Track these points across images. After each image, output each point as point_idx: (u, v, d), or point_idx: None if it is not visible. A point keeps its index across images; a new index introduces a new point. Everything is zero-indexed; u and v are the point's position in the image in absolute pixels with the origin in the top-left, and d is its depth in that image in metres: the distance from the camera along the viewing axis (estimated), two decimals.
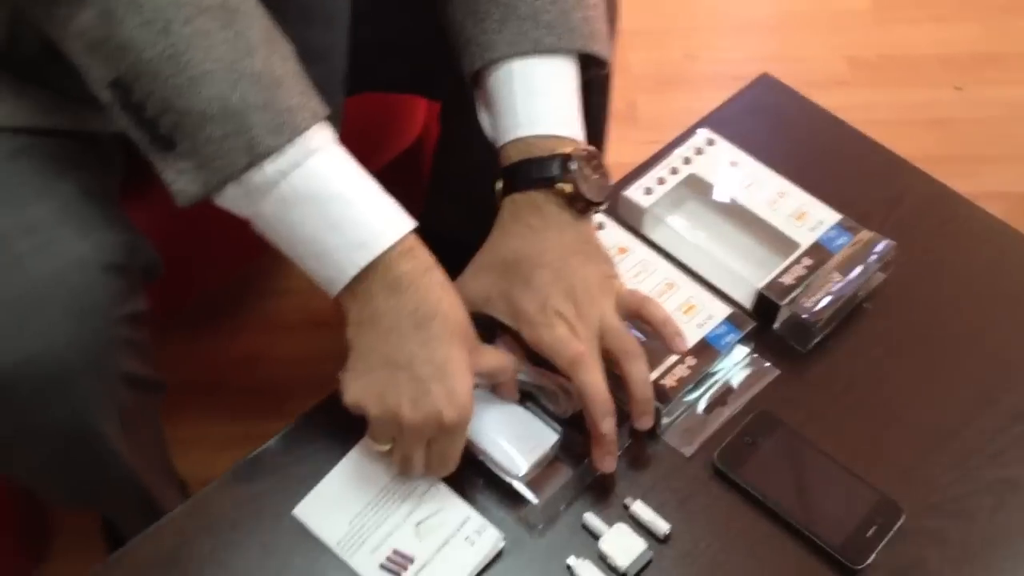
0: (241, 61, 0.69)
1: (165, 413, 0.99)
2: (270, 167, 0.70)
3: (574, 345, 0.79)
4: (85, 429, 0.80)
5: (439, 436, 0.75)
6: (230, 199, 0.72)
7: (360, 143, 1.12)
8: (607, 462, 0.80)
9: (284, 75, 0.72)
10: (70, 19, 0.68)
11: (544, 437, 0.82)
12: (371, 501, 0.80)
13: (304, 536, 0.79)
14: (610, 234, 0.92)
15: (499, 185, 0.85)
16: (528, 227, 0.82)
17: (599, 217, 0.93)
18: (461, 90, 0.91)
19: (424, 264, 0.75)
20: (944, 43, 1.87)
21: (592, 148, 0.83)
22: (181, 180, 0.71)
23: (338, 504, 0.80)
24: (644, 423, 0.81)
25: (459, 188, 1.12)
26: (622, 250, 0.91)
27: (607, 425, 0.79)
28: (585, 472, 0.82)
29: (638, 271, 0.90)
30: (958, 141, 1.71)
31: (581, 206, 0.82)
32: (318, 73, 0.92)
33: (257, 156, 0.69)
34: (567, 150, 0.81)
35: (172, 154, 0.70)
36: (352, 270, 0.73)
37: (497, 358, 0.80)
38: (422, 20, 0.93)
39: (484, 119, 0.87)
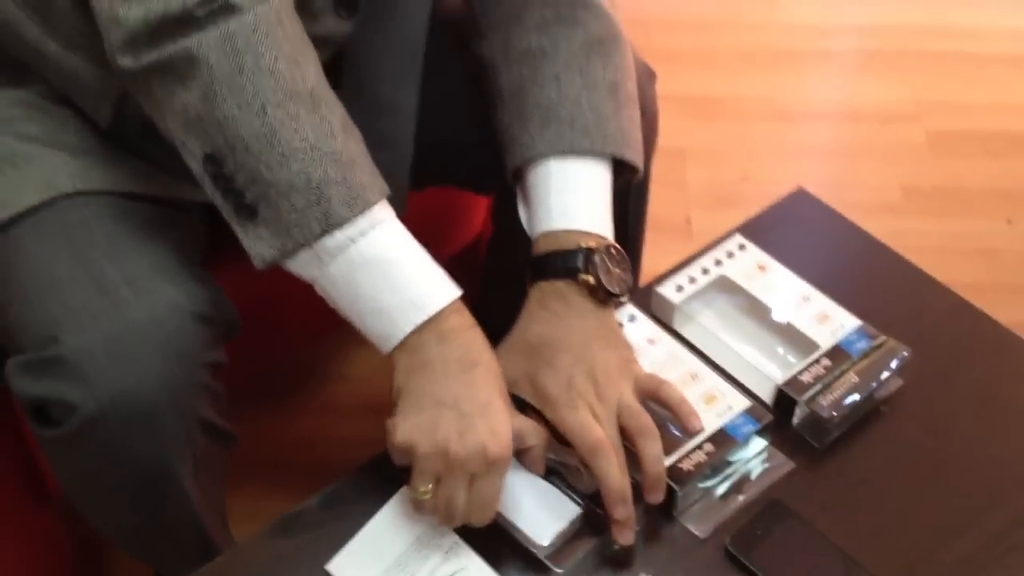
0: (324, 141, 0.78)
1: (225, 484, 1.05)
2: (340, 235, 0.79)
3: (595, 431, 0.85)
4: (163, 467, 0.87)
5: (482, 473, 0.81)
6: (301, 263, 0.81)
7: (423, 237, 1.22)
8: (625, 535, 0.85)
9: (357, 156, 0.81)
10: (172, 98, 0.78)
11: (567, 510, 0.87)
12: (399, 558, 0.85)
13: None
14: (640, 326, 0.99)
15: (529, 275, 0.92)
16: (553, 313, 0.89)
17: (631, 309, 0.99)
18: (510, 188, 1.00)
19: (469, 321, 0.84)
20: (997, 177, 1.93)
21: (615, 245, 0.91)
22: (259, 245, 0.80)
23: (368, 560, 0.86)
24: (654, 498, 0.86)
25: (506, 284, 1.21)
26: (651, 341, 0.97)
27: (620, 512, 0.84)
28: (605, 544, 0.86)
29: (664, 361, 0.96)
30: (1006, 271, 1.74)
31: (602, 296, 0.89)
32: (386, 159, 1.02)
33: (331, 225, 0.78)
34: (592, 244, 0.89)
35: (253, 222, 0.79)
36: (408, 327, 0.81)
37: (528, 422, 0.86)
38: (479, 121, 1.02)
39: (522, 212, 0.96)
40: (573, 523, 0.87)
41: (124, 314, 0.83)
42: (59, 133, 0.94)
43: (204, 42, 0.76)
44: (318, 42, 0.94)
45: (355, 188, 0.79)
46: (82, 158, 0.93)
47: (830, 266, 1.06)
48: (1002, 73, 2.15)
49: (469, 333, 0.83)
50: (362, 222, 0.80)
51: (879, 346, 0.97)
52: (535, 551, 0.86)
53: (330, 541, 0.87)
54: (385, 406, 1.67)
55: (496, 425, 0.81)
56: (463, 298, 0.84)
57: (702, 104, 2.06)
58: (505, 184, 1.07)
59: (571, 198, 0.92)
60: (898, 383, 0.97)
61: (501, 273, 1.28)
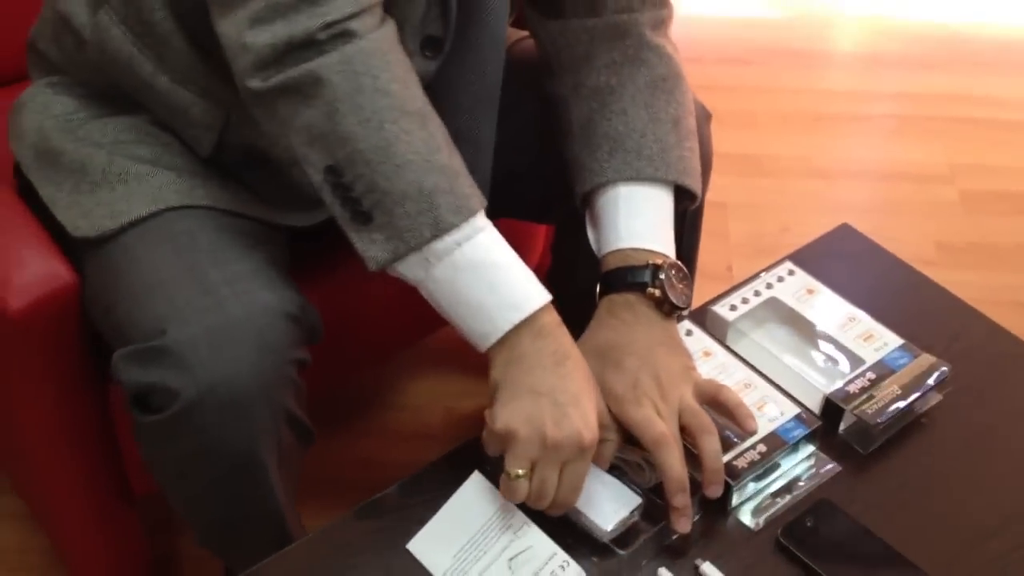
0: (433, 154, 0.87)
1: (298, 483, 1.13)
2: (448, 239, 0.87)
3: (658, 425, 0.92)
4: (252, 454, 0.95)
5: (574, 458, 0.88)
6: (409, 265, 0.88)
7: None
8: (682, 523, 0.92)
9: (460, 169, 0.90)
10: (296, 116, 0.87)
11: (629, 500, 0.94)
12: (473, 537, 0.92)
13: (417, 568, 0.91)
14: (697, 340, 1.06)
15: (599, 289, 1.00)
16: (621, 321, 0.98)
17: (688, 325, 1.07)
18: (572, 218, 1.09)
19: (558, 320, 0.91)
20: None
21: (679, 263, 0.99)
22: (373, 248, 0.88)
23: (446, 539, 0.93)
24: (713, 492, 0.93)
25: (564, 314, 1.29)
26: (706, 353, 1.05)
27: (679, 500, 0.91)
28: (664, 532, 0.93)
29: (719, 372, 1.03)
30: None
31: (667, 308, 0.97)
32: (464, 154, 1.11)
33: (440, 230, 0.87)
34: (658, 261, 0.98)
35: (368, 227, 0.87)
36: (507, 325, 0.88)
37: (607, 416, 0.93)
38: (543, 155, 1.11)
39: (591, 234, 1.04)
40: (634, 512, 0.94)
41: (224, 310, 0.92)
42: (166, 156, 1.04)
43: (326, 64, 0.85)
44: None
45: (461, 197, 0.88)
46: (187, 178, 1.03)
47: (873, 292, 1.13)
48: None
49: (560, 330, 0.91)
50: (467, 228, 0.88)
51: (920, 363, 1.04)
52: (598, 536, 0.93)
53: (410, 524, 0.94)
54: (438, 434, 1.75)
55: (588, 414, 0.88)
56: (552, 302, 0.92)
57: (743, 161, 2.15)
58: (565, 215, 1.16)
59: (638, 220, 1.01)
60: (937, 398, 1.04)
61: (559, 304, 1.36)
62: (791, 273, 1.13)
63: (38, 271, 1.02)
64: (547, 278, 1.39)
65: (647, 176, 1.01)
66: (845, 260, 1.19)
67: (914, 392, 1.02)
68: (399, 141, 0.86)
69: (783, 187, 2.11)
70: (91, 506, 1.23)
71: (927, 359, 1.04)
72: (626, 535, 0.93)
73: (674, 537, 0.93)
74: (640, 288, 0.98)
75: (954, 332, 1.11)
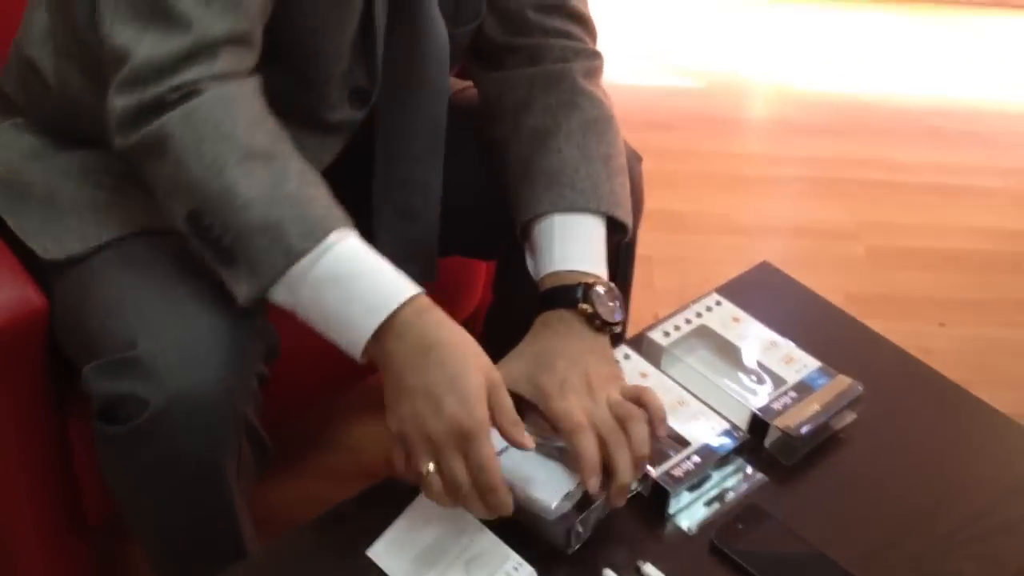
0: (278, 189, 0.92)
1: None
2: (305, 262, 0.90)
3: (576, 415, 0.97)
4: (215, 464, 0.99)
5: (466, 444, 0.89)
6: (278, 294, 0.93)
7: None
8: (617, 500, 0.97)
9: (314, 195, 0.93)
10: (154, 170, 0.93)
11: (571, 479, 0.98)
12: (430, 543, 0.98)
13: (378, 573, 0.96)
14: (634, 363, 1.15)
15: (535, 309, 1.07)
16: (554, 332, 1.05)
17: (625, 350, 1.16)
18: (513, 254, 1.17)
19: (421, 308, 0.92)
20: (930, 287, 2.14)
21: (611, 284, 1.07)
22: (238, 287, 0.93)
23: (404, 546, 0.98)
24: (636, 474, 0.97)
25: (504, 351, 1.36)
26: (643, 375, 1.13)
27: (594, 484, 0.95)
28: (606, 535, 1.00)
29: (654, 390, 1.11)
30: (941, 368, 1.93)
31: (599, 324, 1.04)
32: (416, 231, 1.20)
33: (293, 258, 0.90)
34: (590, 281, 1.05)
35: (232, 267, 0.92)
36: (367, 332, 0.90)
37: (511, 405, 0.93)
38: (487, 193, 1.19)
39: (529, 261, 1.12)
40: (577, 488, 0.97)
41: (192, 322, 0.96)
42: (132, 183, 1.09)
43: (172, 119, 0.91)
44: (336, 128, 1.13)
45: (311, 222, 0.91)
46: (152, 204, 1.08)
47: (793, 321, 1.23)
48: (930, 200, 2.40)
49: (423, 318, 0.91)
50: (320, 247, 0.91)
51: (837, 383, 1.14)
52: (544, 513, 0.96)
53: (368, 532, 0.99)
54: (379, 474, 1.79)
55: (465, 395, 0.89)
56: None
57: (667, 218, 2.26)
58: (506, 252, 1.25)
59: (572, 245, 1.09)
60: (852, 415, 1.14)
61: (499, 342, 1.43)
62: (718, 303, 1.22)
63: (9, 295, 1.06)
64: (489, 313, 1.47)
65: (580, 207, 1.09)
66: (766, 293, 1.29)
67: (832, 409, 1.11)
68: (240, 183, 0.90)
69: (704, 242, 2.23)
70: (45, 533, 1.26)
71: (843, 380, 1.14)
72: (569, 534, 0.99)
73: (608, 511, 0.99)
74: (572, 305, 1.05)
75: (866, 357, 1.21)
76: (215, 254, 0.93)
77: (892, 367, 1.22)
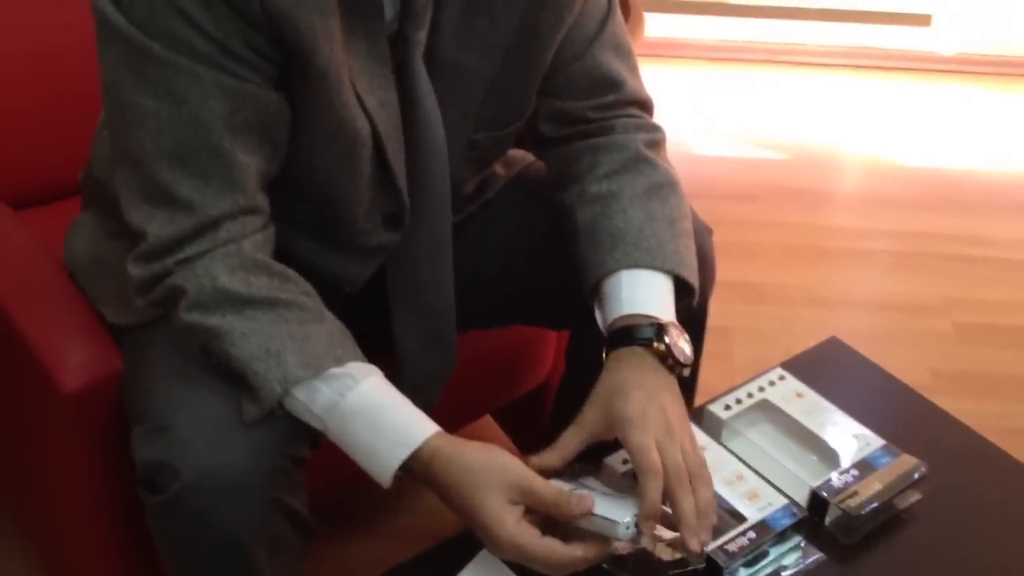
0: (278, 325, 0.99)
1: None
2: (327, 389, 0.97)
3: (653, 454, 0.98)
4: (243, 541, 1.01)
5: (514, 554, 0.96)
6: (293, 411, 0.99)
7: (500, 373, 1.43)
8: (692, 543, 0.96)
9: (314, 333, 1.00)
10: (175, 318, 1.00)
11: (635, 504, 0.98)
12: None
13: None
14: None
15: (604, 350, 1.08)
16: (628, 365, 1.05)
17: None
18: (584, 323, 1.18)
19: (425, 458, 0.98)
20: (1020, 366, 2.09)
21: (679, 325, 1.07)
22: (246, 407, 0.98)
23: None
24: (694, 544, 0.96)
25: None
26: (701, 448, 1.13)
27: (649, 527, 0.96)
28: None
29: (712, 464, 1.11)
30: None
31: (671, 363, 1.05)
32: (432, 325, 1.24)
33: (290, 383, 0.97)
34: (662, 321, 1.06)
35: (242, 389, 0.99)
36: (395, 463, 0.97)
37: (551, 492, 0.97)
38: (557, 263, 1.22)
39: (598, 317, 1.12)
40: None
41: (232, 400, 1.00)
42: None
43: (177, 279, 0.98)
44: (374, 250, 1.16)
45: (310, 355, 0.98)
46: None
47: (859, 397, 1.22)
48: (1020, 276, 2.34)
49: (431, 469, 0.98)
50: (344, 380, 0.98)
51: (900, 462, 1.12)
52: (616, 534, 0.97)
53: None
54: (450, 536, 1.78)
55: (485, 525, 0.96)
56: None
57: (746, 289, 2.26)
58: (577, 321, 1.26)
59: (640, 292, 1.10)
60: (916, 495, 1.12)
61: (571, 412, 1.44)
62: (782, 378, 1.22)
63: (92, 355, 1.11)
64: (561, 383, 1.48)
65: (645, 264, 1.10)
66: (833, 369, 1.29)
67: (894, 488, 1.09)
68: (240, 325, 0.98)
69: (785, 315, 2.21)
70: None
71: (907, 459, 1.13)
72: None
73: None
74: (645, 343, 1.05)
75: (934, 436, 1.20)
76: (228, 372, 1.00)
77: (960, 446, 1.20)
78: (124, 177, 1.01)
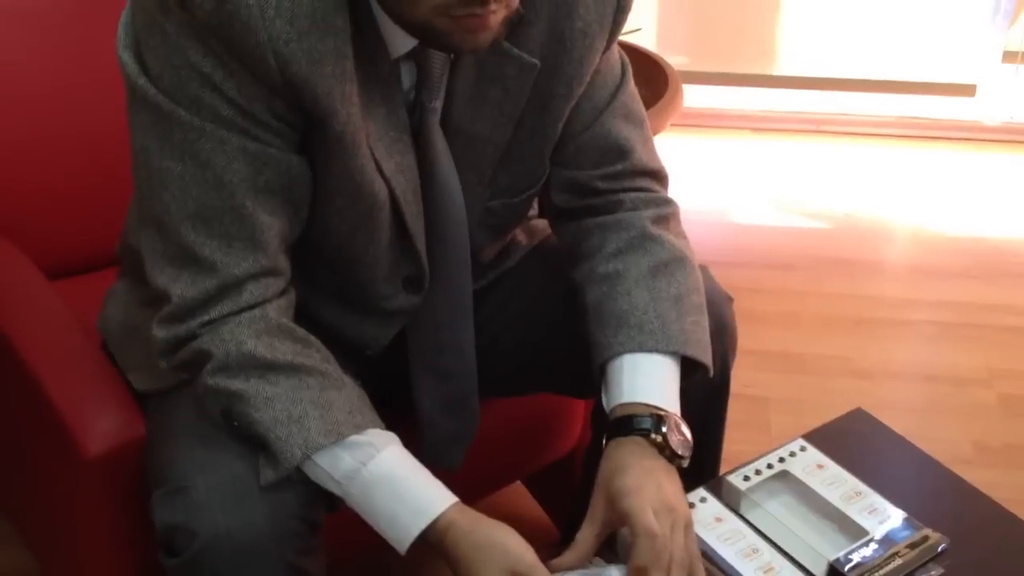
0: (299, 391, 1.00)
1: None
2: (349, 457, 0.99)
3: (650, 518, 1.00)
4: None
5: None
6: (314, 477, 1.00)
7: (526, 442, 1.43)
8: None
9: (335, 400, 1.01)
10: (199, 380, 1.03)
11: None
12: None
13: None
14: (710, 506, 1.14)
15: (604, 438, 1.09)
16: (627, 451, 1.06)
17: (703, 492, 1.15)
18: None
19: (441, 529, 1.00)
20: None
21: (679, 417, 1.08)
22: (265, 470, 1.00)
23: None
24: None
25: None
26: (717, 519, 1.12)
27: None
28: None
29: (728, 536, 1.10)
30: None
31: (668, 454, 1.06)
32: (453, 388, 1.25)
33: (311, 449, 0.98)
34: (660, 413, 1.07)
35: (264, 453, 1.00)
36: (415, 531, 0.99)
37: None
38: (579, 332, 1.22)
39: (604, 400, 1.13)
40: None
41: (246, 466, 1.02)
42: None
43: (202, 343, 1.01)
44: (395, 313, 1.18)
45: (331, 421, 1.00)
46: None
47: (882, 470, 1.20)
48: None
49: (446, 540, 1.00)
50: (366, 448, 1.00)
51: (922, 537, 1.10)
52: None
53: None
54: None
55: None
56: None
57: (785, 359, 2.24)
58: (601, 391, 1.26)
59: (641, 380, 1.10)
60: (939, 570, 1.09)
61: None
62: (803, 449, 1.21)
63: (116, 422, 1.14)
64: (587, 452, 1.48)
65: (649, 348, 1.11)
66: (856, 440, 1.27)
67: (914, 563, 1.07)
68: (263, 389, 1.00)
69: (824, 385, 2.19)
70: None
71: (929, 533, 1.10)
72: None
73: None
74: (644, 434, 1.06)
75: (958, 510, 1.17)
76: (249, 436, 1.02)
77: (985, 520, 1.17)
78: (150, 240, 1.03)
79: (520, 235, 1.33)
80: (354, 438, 1.00)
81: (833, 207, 2.78)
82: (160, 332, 1.03)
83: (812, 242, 2.66)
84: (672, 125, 2.81)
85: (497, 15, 0.95)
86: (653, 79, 2.40)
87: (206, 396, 1.03)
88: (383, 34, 1.01)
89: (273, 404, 1.00)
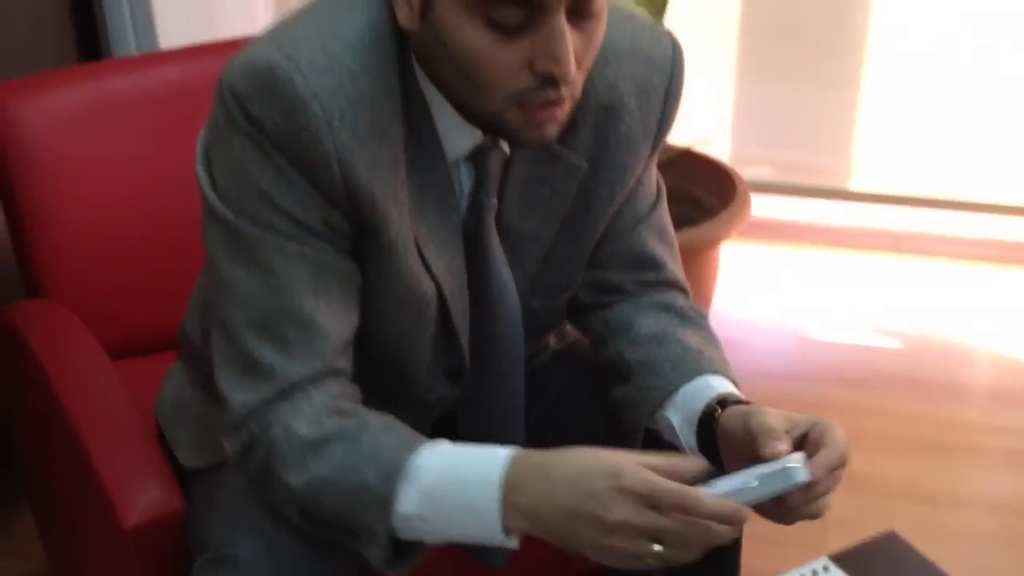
0: (352, 455, 0.99)
1: None
2: (397, 503, 0.97)
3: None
4: None
5: (654, 501, 0.90)
6: (408, 532, 0.99)
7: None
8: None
9: (383, 442, 1.00)
10: (269, 496, 1.05)
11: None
12: None
13: None
14: None
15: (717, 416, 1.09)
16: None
17: None
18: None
19: (520, 460, 0.95)
20: None
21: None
22: (370, 552, 1.00)
23: None
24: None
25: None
26: None
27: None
28: None
29: None
30: None
31: None
32: None
33: (386, 511, 0.97)
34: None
35: (354, 538, 1.00)
36: (495, 506, 0.94)
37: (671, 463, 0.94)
38: (605, 431, 1.22)
39: (672, 421, 1.13)
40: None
41: (290, 532, 1.06)
42: None
43: (264, 444, 1.02)
44: (431, 405, 1.21)
45: (388, 466, 0.98)
46: None
47: None
48: None
49: (526, 467, 0.95)
50: (405, 478, 0.97)
51: None
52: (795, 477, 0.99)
53: None
54: None
55: (607, 469, 0.91)
56: None
57: (850, 478, 2.17)
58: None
59: (716, 381, 1.13)
60: None
61: None
62: (826, 569, 1.20)
63: (155, 495, 1.19)
64: None
65: (710, 371, 1.13)
66: (884, 564, 1.25)
67: None
68: (320, 470, 1.00)
69: (887, 508, 2.14)
70: None
71: None
72: None
73: None
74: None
75: None
76: (335, 534, 1.02)
77: None
78: (217, 346, 1.07)
79: (551, 337, 1.36)
80: (405, 471, 0.98)
81: (909, 326, 2.74)
82: (229, 443, 1.05)
83: (886, 360, 2.62)
84: (747, 235, 2.85)
85: (564, 106, 0.99)
86: (723, 188, 2.44)
87: (281, 505, 1.04)
88: (441, 137, 1.06)
89: (338, 484, 0.99)
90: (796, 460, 0.98)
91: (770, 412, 1.04)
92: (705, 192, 2.47)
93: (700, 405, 1.11)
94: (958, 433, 2.38)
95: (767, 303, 2.74)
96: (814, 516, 1.00)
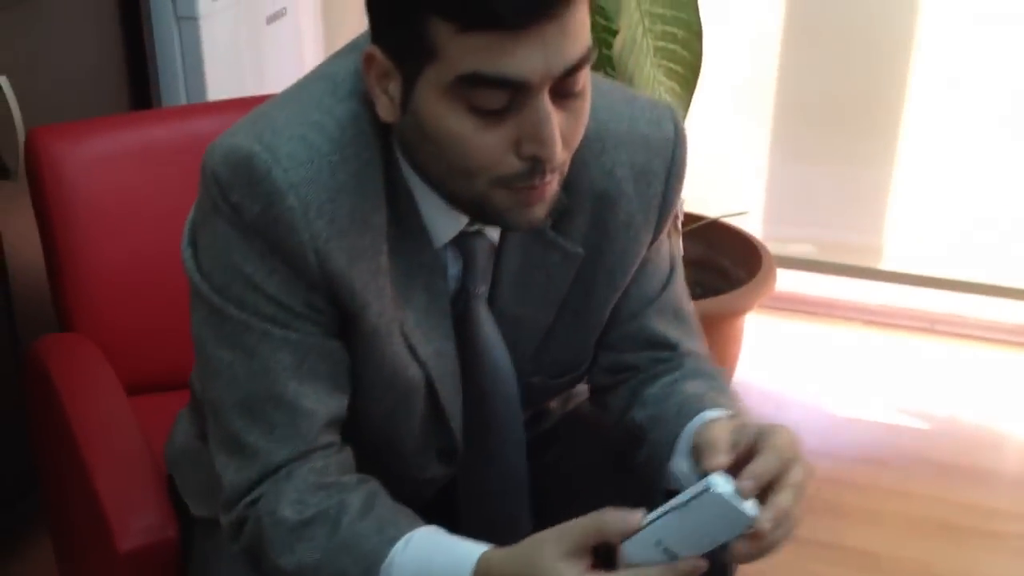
0: (333, 539, 1.01)
1: None
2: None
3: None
4: None
5: None
6: None
7: None
8: None
9: (364, 530, 1.02)
10: (264, 566, 1.08)
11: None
12: None
13: None
14: None
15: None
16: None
17: None
18: None
19: (485, 564, 0.98)
20: None
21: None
22: None
23: None
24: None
25: None
26: None
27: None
28: None
29: None
30: None
31: None
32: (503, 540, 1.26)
33: None
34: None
35: None
36: None
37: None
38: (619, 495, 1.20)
39: (685, 463, 1.10)
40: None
41: None
42: None
43: (250, 531, 1.05)
44: (428, 482, 1.20)
45: (367, 558, 1.00)
46: None
47: None
48: None
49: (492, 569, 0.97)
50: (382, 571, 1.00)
51: None
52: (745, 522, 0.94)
53: None
54: None
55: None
56: None
57: (862, 557, 2.19)
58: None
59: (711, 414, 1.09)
60: None
61: None
62: None
63: (150, 524, 1.25)
64: None
65: (708, 407, 1.11)
66: None
67: None
68: (305, 554, 1.02)
69: None
70: None
71: None
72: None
73: None
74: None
75: None
76: None
77: None
78: (210, 426, 1.11)
79: (553, 402, 1.34)
80: (384, 565, 1.01)
81: (935, 408, 2.73)
82: (222, 519, 1.09)
83: (908, 441, 2.61)
84: (778, 309, 2.87)
85: (552, 185, 0.98)
86: (749, 260, 2.48)
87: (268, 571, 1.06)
88: (427, 223, 1.05)
89: (320, 570, 1.01)
90: (719, 475, 0.94)
91: (719, 424, 1.02)
92: (732, 263, 2.51)
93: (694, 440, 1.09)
94: (975, 517, 2.36)
95: (794, 377, 2.74)
96: (771, 548, 0.95)
